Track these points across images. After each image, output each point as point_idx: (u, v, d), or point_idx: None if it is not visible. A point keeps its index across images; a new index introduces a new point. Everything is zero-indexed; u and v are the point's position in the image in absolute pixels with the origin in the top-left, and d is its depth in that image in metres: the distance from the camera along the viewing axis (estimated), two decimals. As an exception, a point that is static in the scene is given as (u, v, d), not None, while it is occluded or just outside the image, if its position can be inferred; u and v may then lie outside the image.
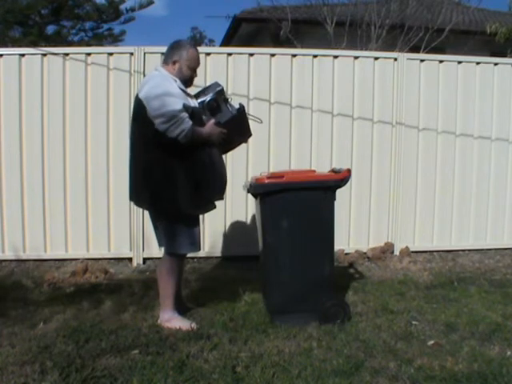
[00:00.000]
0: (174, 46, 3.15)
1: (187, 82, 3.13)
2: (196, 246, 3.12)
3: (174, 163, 2.96)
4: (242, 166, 4.92)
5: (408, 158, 5.14)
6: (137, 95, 3.03)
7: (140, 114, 2.96)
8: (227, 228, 4.93)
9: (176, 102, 2.89)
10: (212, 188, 3.10)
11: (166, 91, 2.91)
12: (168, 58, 3.12)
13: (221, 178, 3.14)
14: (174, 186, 2.96)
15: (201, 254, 4.85)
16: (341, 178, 3.20)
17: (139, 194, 3.11)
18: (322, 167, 4.53)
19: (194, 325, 3.05)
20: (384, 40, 8.59)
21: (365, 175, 5.10)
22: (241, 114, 3.20)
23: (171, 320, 3.07)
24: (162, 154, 2.96)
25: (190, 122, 2.91)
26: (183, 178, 2.97)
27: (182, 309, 3.24)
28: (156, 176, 2.97)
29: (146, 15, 54.07)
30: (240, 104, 3.24)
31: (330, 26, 8.73)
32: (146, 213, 4.72)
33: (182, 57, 3.09)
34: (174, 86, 2.99)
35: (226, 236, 4.94)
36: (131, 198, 3.25)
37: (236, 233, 4.95)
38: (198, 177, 3.00)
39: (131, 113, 3.16)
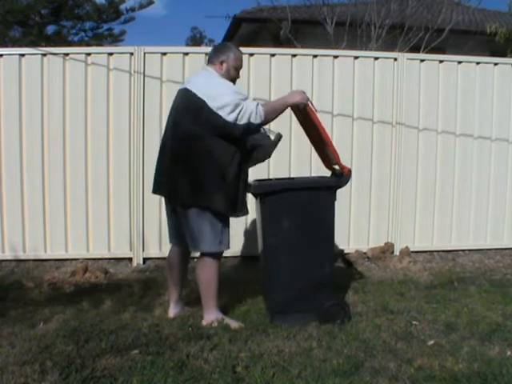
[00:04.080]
0: (220, 48, 3.23)
1: (232, 82, 3.18)
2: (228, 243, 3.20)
3: (237, 167, 3.01)
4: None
5: (408, 158, 5.14)
6: (190, 92, 3.01)
7: (201, 114, 2.95)
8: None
9: (238, 94, 3.00)
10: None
11: (228, 86, 3.03)
12: (214, 59, 3.16)
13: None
14: (234, 187, 3.02)
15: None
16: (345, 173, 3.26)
17: (186, 190, 3.02)
18: (322, 167, 4.52)
19: (242, 325, 3.08)
20: (384, 40, 8.59)
21: (365, 175, 5.10)
22: (278, 141, 3.37)
23: (217, 321, 3.08)
24: (224, 151, 2.99)
25: (255, 102, 2.99)
26: (240, 180, 3.05)
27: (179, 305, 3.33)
28: (227, 177, 2.98)
29: (146, 15, 54.23)
30: (279, 133, 3.37)
31: (330, 26, 8.72)
32: (146, 213, 4.81)
33: (229, 57, 3.15)
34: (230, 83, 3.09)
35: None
36: (160, 192, 3.24)
37: (236, 233, 4.93)
38: (245, 179, 3.11)
39: (182, 109, 3.09)
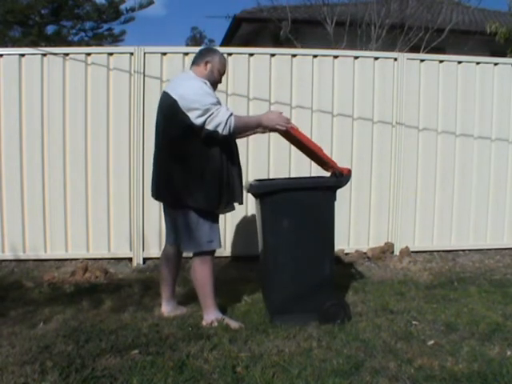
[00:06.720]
0: (206, 50, 3.29)
1: (214, 86, 3.18)
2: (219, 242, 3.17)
3: (211, 160, 2.99)
4: (242, 166, 4.89)
5: (408, 158, 5.14)
6: (167, 94, 3.04)
7: (173, 114, 2.97)
8: (227, 228, 4.92)
9: (210, 96, 2.97)
10: (239, 187, 3.17)
11: (200, 87, 2.99)
12: (199, 59, 3.19)
13: (241, 178, 3.24)
14: (215, 184, 3.01)
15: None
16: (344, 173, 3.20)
17: (169, 191, 3.07)
18: (322, 167, 4.53)
19: (242, 325, 3.07)
20: (384, 40, 8.59)
21: (365, 175, 5.10)
22: None
23: (217, 321, 3.08)
24: (200, 150, 2.98)
25: (228, 113, 2.94)
26: (223, 176, 3.03)
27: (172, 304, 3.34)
28: (205, 174, 2.98)
29: (145, 15, 54.19)
30: None
31: (330, 26, 8.73)
32: (146, 213, 4.82)
33: (214, 59, 3.18)
34: (206, 85, 3.06)
35: (225, 236, 4.93)
36: (152, 194, 3.27)
37: (236, 233, 4.94)
38: (229, 173, 3.07)
39: (160, 112, 3.14)
